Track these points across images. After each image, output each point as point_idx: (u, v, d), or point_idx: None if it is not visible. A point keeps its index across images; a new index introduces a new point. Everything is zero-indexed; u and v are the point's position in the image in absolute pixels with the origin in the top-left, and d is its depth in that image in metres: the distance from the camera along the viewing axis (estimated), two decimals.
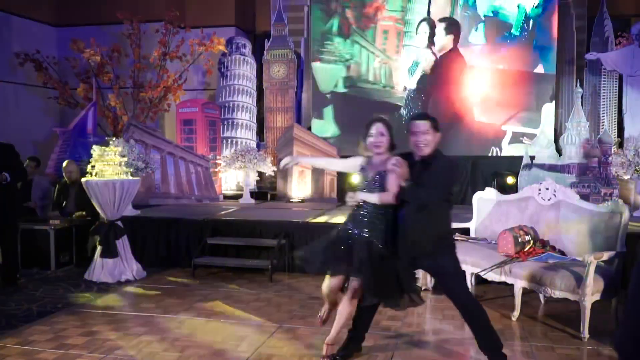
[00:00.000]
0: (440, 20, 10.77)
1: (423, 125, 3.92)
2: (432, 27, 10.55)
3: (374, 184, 4.00)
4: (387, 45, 10.64)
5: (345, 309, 4.12)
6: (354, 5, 10.53)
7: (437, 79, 10.88)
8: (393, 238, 3.96)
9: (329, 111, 11.26)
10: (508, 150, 10.69)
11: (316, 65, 11.08)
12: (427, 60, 10.81)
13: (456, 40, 10.79)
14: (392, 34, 10.49)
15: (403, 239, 3.92)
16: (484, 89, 10.80)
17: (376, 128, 4.01)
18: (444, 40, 10.75)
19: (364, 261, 3.89)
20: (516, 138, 10.73)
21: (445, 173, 3.96)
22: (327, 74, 11.03)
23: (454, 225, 6.45)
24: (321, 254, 4.08)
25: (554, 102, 10.73)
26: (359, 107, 10.69)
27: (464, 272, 4.07)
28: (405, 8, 10.45)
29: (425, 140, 3.90)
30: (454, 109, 10.98)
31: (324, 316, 4.35)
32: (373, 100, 10.97)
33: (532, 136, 10.59)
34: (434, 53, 10.77)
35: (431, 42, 10.78)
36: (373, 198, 3.96)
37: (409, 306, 4.10)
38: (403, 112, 10.97)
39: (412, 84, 10.92)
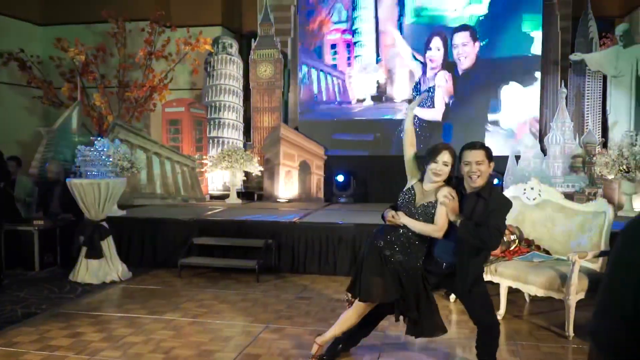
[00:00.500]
0: (457, 29, 10.28)
1: (478, 154, 3.74)
2: (445, 41, 9.97)
3: (419, 210, 3.85)
4: (338, 61, 10.28)
5: (350, 319, 4.08)
6: (297, 23, 10.03)
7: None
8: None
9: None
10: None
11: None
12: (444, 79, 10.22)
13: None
14: (341, 47, 10.06)
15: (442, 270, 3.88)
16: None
17: (442, 157, 3.79)
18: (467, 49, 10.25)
19: (398, 283, 3.84)
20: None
21: (503, 210, 3.78)
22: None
23: None
24: (380, 286, 3.87)
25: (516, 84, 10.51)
26: (317, 132, 10.23)
27: (487, 292, 3.97)
28: (351, 17, 10.00)
29: (479, 171, 3.73)
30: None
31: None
32: (330, 121, 10.67)
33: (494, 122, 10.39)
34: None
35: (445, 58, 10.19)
36: (417, 226, 3.81)
37: (438, 333, 4.06)
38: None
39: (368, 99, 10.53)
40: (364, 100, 9.97)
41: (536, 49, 10.09)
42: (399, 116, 9.83)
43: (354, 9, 9.67)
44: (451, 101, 9.77)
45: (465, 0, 9.60)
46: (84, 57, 10.47)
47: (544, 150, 10.30)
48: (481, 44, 9.91)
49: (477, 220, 3.66)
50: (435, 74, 9.60)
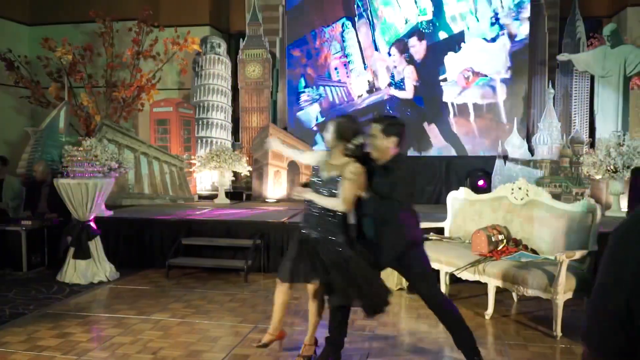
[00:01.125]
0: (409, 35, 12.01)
1: (373, 128, 3.85)
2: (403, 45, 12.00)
3: (325, 187, 3.92)
4: (340, 76, 12.08)
5: (311, 307, 4.17)
6: (310, 63, 12.10)
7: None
8: (351, 239, 3.96)
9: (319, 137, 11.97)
10: None
11: (299, 113, 12.12)
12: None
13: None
14: (341, 68, 12.16)
15: (369, 245, 3.89)
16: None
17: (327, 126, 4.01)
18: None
19: (322, 262, 3.86)
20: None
21: (405, 183, 3.88)
22: (309, 115, 12.19)
23: (428, 224, 6.54)
24: (289, 263, 4.01)
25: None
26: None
27: (434, 272, 4.06)
28: (343, 46, 12.09)
29: (374, 144, 3.84)
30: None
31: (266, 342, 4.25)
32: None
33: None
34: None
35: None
36: (322, 201, 3.89)
37: (376, 312, 4.03)
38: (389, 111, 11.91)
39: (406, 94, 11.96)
40: (361, 95, 11.99)
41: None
42: (385, 98, 11.96)
43: (343, 41, 12.06)
44: (418, 84, 11.68)
45: (414, 12, 11.75)
46: (71, 56, 10.42)
47: (531, 151, 10.36)
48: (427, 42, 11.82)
49: (382, 193, 3.77)
50: (403, 69, 11.81)
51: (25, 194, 8.34)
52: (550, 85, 10.60)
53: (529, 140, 10.55)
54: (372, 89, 12.15)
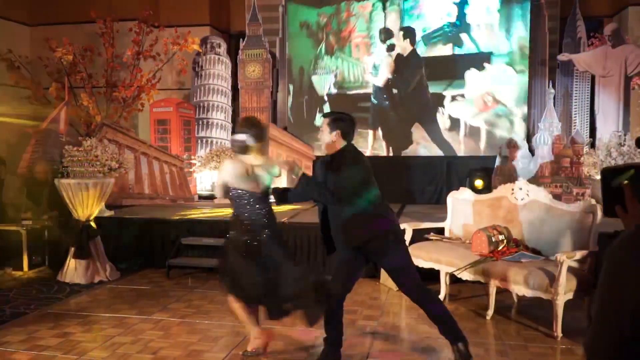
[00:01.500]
0: (400, 29, 12.04)
1: (322, 123, 4.05)
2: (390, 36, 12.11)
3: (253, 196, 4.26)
4: (359, 55, 11.94)
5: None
6: (334, 33, 12.02)
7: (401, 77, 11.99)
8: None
9: (326, 108, 12.09)
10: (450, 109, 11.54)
11: (314, 78, 12.13)
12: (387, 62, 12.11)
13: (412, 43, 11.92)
14: (362, 47, 12.00)
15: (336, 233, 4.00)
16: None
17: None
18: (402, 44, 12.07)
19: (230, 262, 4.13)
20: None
21: (347, 170, 3.91)
22: (322, 83, 12.20)
23: (429, 225, 6.54)
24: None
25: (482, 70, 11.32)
26: (347, 100, 11.90)
27: (414, 267, 4.13)
28: (369, 27, 11.93)
29: (322, 138, 4.03)
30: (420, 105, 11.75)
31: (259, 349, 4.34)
32: (353, 93, 12.17)
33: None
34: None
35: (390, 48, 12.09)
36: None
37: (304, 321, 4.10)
38: (374, 101, 12.09)
39: (378, 82, 12.01)
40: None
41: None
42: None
43: (370, 22, 12.02)
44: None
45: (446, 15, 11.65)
46: (71, 57, 10.41)
47: (532, 151, 10.35)
48: None
49: (329, 183, 3.89)
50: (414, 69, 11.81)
51: (26, 194, 8.33)
52: (550, 85, 10.60)
53: (529, 141, 10.54)
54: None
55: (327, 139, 3.97)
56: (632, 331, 1.23)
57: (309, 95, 12.07)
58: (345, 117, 4.06)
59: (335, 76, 12.19)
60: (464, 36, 11.55)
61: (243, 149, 4.19)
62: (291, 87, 11.99)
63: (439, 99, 11.64)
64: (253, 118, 4.49)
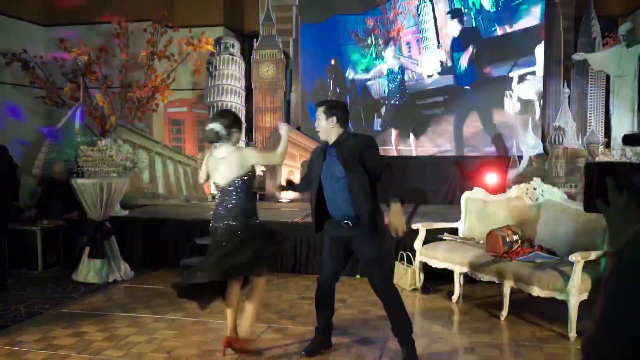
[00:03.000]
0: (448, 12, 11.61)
1: (317, 111, 4.15)
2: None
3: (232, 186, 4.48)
4: (412, 52, 11.77)
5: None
6: (382, 34, 11.87)
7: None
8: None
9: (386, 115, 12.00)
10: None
11: (369, 83, 11.98)
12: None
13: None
14: (413, 43, 11.82)
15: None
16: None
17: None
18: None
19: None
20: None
21: (373, 146, 4.18)
22: (379, 88, 12.04)
23: (443, 225, 6.53)
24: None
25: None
26: (412, 105, 11.82)
27: (390, 262, 4.28)
28: (418, 21, 11.67)
29: (319, 126, 4.15)
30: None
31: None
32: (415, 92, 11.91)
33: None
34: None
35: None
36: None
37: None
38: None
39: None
40: (431, 75, 11.67)
41: None
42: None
43: (418, 15, 11.66)
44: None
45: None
46: (86, 57, 10.48)
47: (546, 151, 10.29)
48: None
49: (351, 164, 4.01)
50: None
51: (41, 194, 8.40)
52: (565, 85, 10.53)
53: (544, 140, 10.48)
54: (444, 69, 11.68)
55: (324, 125, 4.10)
56: (634, 335, 1.22)
57: (364, 100, 11.91)
58: (339, 104, 4.27)
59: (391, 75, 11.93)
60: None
61: (214, 138, 4.32)
62: (348, 97, 11.86)
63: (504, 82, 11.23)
64: (226, 109, 4.65)
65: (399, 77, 11.88)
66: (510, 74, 11.11)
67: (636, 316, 1.24)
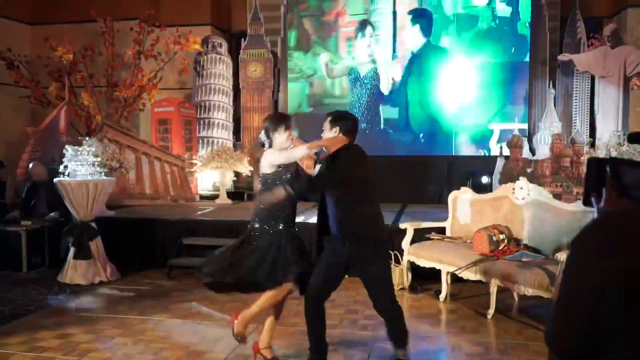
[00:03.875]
0: (410, 12, 10.50)
1: (325, 122, 4.06)
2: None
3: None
4: (354, 53, 10.43)
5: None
6: (311, 14, 10.18)
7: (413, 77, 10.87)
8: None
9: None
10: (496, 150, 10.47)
11: (281, 92, 10.75)
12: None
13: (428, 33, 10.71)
14: (357, 38, 10.28)
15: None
16: (462, 86, 10.80)
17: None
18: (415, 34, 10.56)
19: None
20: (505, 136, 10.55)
21: (326, 169, 4.03)
22: (289, 93, 10.66)
23: (430, 224, 6.55)
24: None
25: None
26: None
27: (390, 280, 4.10)
28: (369, 10, 10.16)
29: (323, 136, 4.06)
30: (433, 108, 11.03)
31: None
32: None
33: (523, 132, 10.53)
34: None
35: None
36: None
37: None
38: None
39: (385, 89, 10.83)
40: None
41: None
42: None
43: (371, 2, 9.74)
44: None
45: None
46: (72, 56, 10.41)
47: (532, 150, 10.35)
48: None
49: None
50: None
51: (25, 195, 8.31)
52: (551, 85, 10.59)
53: (530, 140, 10.53)
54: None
55: (326, 135, 4.02)
56: (593, 319, 1.23)
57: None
58: (346, 116, 4.09)
59: (311, 85, 10.85)
60: None
61: (261, 146, 4.32)
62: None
63: None
64: (274, 114, 4.50)
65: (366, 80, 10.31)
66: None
67: (584, 302, 1.25)
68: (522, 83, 10.84)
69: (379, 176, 4.10)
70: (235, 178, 10.75)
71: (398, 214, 8.19)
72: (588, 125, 10.66)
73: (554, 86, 10.63)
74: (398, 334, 4.09)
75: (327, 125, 4.01)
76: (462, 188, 6.74)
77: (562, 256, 4.74)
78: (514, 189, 6.05)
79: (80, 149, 6.97)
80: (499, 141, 10.54)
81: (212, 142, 11.55)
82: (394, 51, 10.54)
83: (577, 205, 5.52)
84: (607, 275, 1.24)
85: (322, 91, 10.83)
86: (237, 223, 7.73)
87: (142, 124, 11.97)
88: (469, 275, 5.48)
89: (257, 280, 3.97)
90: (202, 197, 11.13)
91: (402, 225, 6.39)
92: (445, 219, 6.65)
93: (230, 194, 10.67)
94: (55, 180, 6.96)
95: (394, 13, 10.47)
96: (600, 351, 1.25)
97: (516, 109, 10.81)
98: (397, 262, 6.42)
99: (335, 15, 10.33)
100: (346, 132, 3.99)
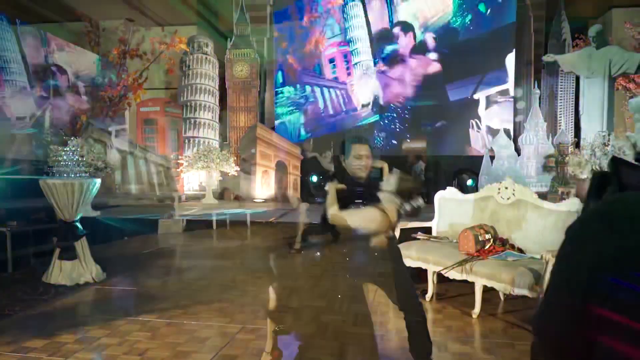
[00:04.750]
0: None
1: (368, 149, 3.94)
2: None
3: None
4: (338, 73, 10.34)
5: None
6: (293, 49, 9.87)
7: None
8: None
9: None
10: (488, 117, 10.51)
11: (278, 122, 10.61)
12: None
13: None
14: (339, 59, 10.02)
15: None
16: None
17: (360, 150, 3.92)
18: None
19: None
20: (492, 101, 10.57)
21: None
22: (289, 127, 10.57)
23: (416, 224, 6.57)
24: None
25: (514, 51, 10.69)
26: (329, 146, 10.12)
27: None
28: (344, 29, 9.96)
29: (367, 164, 3.92)
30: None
31: None
32: (340, 132, 10.58)
33: (505, 92, 10.59)
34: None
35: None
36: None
37: None
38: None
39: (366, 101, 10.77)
40: (367, 104, 9.78)
41: None
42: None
43: (345, 20, 9.38)
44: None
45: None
46: (56, 55, 10.34)
47: (518, 150, 10.41)
48: None
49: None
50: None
51: (10, 195, 8.27)
52: (536, 86, 10.66)
53: (515, 140, 10.59)
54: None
55: (370, 164, 3.95)
56: (582, 308, 1.24)
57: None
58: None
59: (306, 113, 10.75)
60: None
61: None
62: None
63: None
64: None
65: (320, 109, 9.47)
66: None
67: (578, 289, 1.26)
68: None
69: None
70: (221, 178, 10.74)
71: None
72: (573, 126, 10.74)
73: (539, 86, 10.70)
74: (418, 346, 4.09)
75: (369, 153, 3.93)
76: (448, 188, 6.76)
77: (546, 256, 4.77)
78: (499, 189, 6.08)
79: (65, 148, 6.93)
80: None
81: (199, 141, 11.51)
82: (375, 58, 10.48)
83: (562, 205, 5.56)
84: (601, 259, 1.25)
85: (316, 115, 10.76)
86: (223, 223, 7.73)
87: (127, 124, 11.91)
88: (455, 274, 5.50)
89: None
90: (189, 197, 11.10)
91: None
92: (431, 218, 6.67)
93: (216, 194, 10.65)
94: (40, 180, 6.91)
95: (368, 24, 10.33)
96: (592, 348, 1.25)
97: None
98: None
99: (315, 43, 10.25)
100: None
